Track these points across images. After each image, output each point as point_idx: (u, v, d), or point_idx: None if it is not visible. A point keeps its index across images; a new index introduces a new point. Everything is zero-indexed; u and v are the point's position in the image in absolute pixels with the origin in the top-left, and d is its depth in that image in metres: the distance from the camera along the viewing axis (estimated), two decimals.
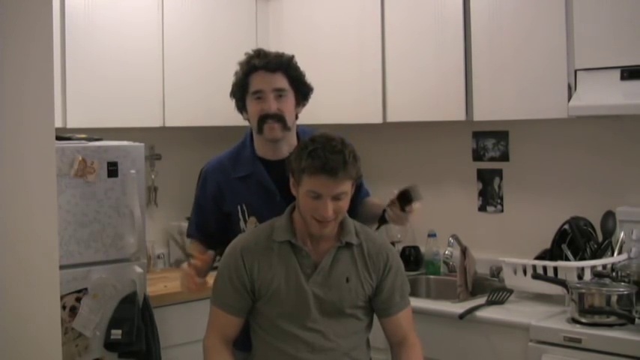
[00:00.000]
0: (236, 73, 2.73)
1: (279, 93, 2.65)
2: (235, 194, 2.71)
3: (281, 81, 2.66)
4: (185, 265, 2.64)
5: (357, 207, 2.71)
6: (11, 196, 2.16)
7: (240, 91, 2.70)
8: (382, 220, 2.66)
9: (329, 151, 2.33)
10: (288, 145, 2.66)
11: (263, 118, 2.63)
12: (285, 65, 2.68)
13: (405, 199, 2.61)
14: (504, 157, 3.75)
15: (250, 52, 2.73)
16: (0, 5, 2.13)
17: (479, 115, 3.46)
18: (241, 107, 2.73)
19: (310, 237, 2.47)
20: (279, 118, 2.64)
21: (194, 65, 3.88)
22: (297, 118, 2.74)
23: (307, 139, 2.42)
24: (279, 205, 2.59)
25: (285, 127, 2.65)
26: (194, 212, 2.83)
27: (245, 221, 2.70)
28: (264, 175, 2.68)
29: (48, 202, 2.25)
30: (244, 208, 2.70)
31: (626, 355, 2.67)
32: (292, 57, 2.72)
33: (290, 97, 2.68)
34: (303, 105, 2.76)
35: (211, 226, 2.78)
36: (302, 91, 2.72)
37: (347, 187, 2.38)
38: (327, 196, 2.35)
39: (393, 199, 2.61)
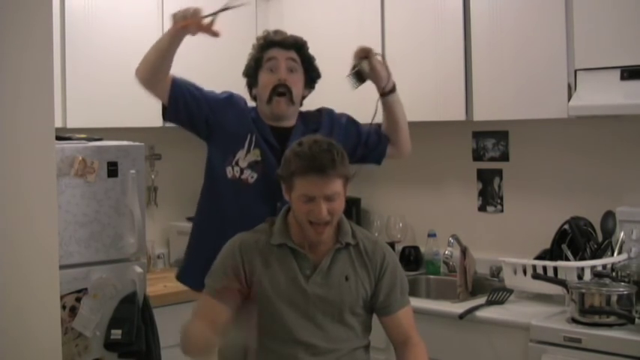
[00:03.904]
0: (252, 50, 2.90)
1: (291, 65, 2.81)
2: (246, 124, 2.82)
3: (294, 55, 2.83)
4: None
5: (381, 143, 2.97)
6: (11, 196, 2.17)
7: (255, 65, 2.85)
8: (392, 90, 2.93)
9: (318, 151, 2.36)
10: (290, 120, 2.83)
11: (275, 89, 2.78)
12: (299, 45, 2.85)
13: (360, 76, 2.86)
14: (504, 157, 3.75)
15: (264, 33, 2.91)
16: (0, 5, 2.13)
17: (479, 115, 3.46)
18: (253, 84, 2.88)
19: (307, 240, 2.47)
20: (288, 90, 2.78)
21: (193, 65, 3.86)
22: (301, 103, 2.89)
23: (294, 144, 2.45)
24: (277, 155, 2.69)
25: (292, 100, 2.80)
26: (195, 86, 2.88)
27: (249, 151, 2.78)
28: (267, 131, 2.81)
29: (48, 202, 2.25)
30: (253, 138, 2.78)
31: (626, 355, 2.67)
32: (306, 41, 2.89)
33: (300, 75, 2.84)
34: (309, 90, 2.90)
35: (195, 97, 2.83)
36: (311, 73, 2.89)
37: (338, 187, 2.39)
38: (320, 196, 2.36)
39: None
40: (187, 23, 2.62)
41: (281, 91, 2.78)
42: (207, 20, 2.62)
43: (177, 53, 3.77)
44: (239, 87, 4.07)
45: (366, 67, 2.86)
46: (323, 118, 2.91)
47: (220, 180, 2.79)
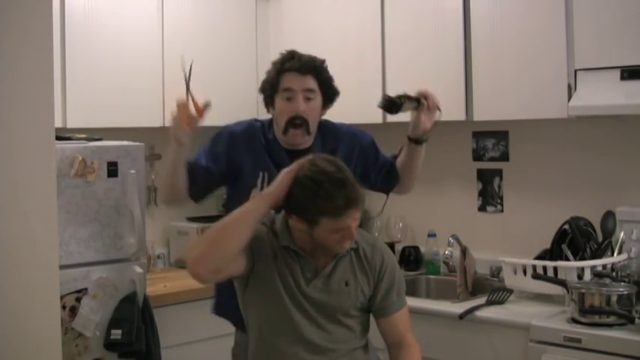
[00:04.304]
0: (268, 72, 2.84)
1: (308, 95, 2.76)
2: (259, 162, 2.78)
3: (311, 82, 2.77)
4: (182, 100, 2.64)
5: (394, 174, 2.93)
6: (11, 196, 2.16)
7: (270, 89, 2.81)
8: (419, 141, 2.88)
9: (340, 184, 2.32)
10: (307, 143, 2.80)
11: (291, 120, 2.74)
12: (317, 69, 2.79)
13: (392, 105, 2.77)
14: (504, 157, 3.75)
15: (284, 52, 2.83)
16: (0, 5, 2.13)
17: (479, 115, 3.46)
18: (269, 103, 2.84)
19: (310, 244, 2.46)
20: (304, 122, 2.75)
21: (195, 66, 3.87)
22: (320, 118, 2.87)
23: (306, 178, 2.36)
24: None
25: (308, 132, 2.77)
26: (202, 152, 2.82)
27: (261, 189, 2.73)
28: (285, 159, 2.74)
29: (48, 202, 2.25)
30: (265, 176, 2.74)
31: (626, 355, 2.67)
32: (323, 61, 2.83)
33: (317, 100, 2.80)
34: (328, 107, 2.86)
35: (208, 171, 2.78)
36: (329, 94, 2.84)
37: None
38: (353, 224, 2.37)
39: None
40: (182, 114, 2.60)
41: (297, 123, 2.75)
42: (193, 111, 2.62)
43: (177, 53, 3.78)
44: (240, 86, 4.09)
45: (409, 107, 2.78)
46: (342, 138, 2.88)
47: None
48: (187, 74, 2.65)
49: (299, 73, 2.76)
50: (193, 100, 2.61)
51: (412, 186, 3.01)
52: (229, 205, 2.79)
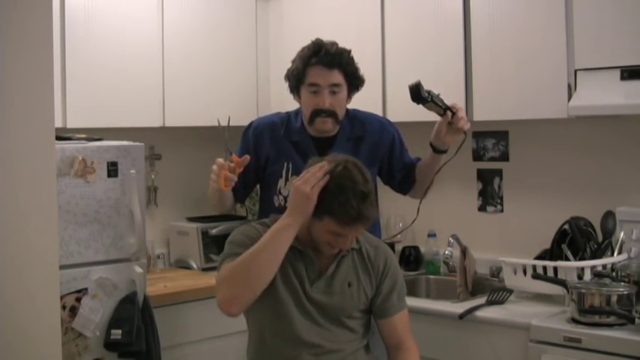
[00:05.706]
0: (294, 61, 2.86)
1: (334, 89, 2.79)
2: (282, 153, 2.84)
3: (337, 77, 2.79)
4: (221, 159, 2.69)
5: (412, 175, 2.96)
6: (11, 196, 2.16)
7: (296, 80, 2.84)
8: (439, 151, 2.85)
9: (360, 198, 2.32)
10: (334, 130, 2.84)
11: (317, 112, 2.78)
12: (344, 63, 2.81)
13: (418, 95, 2.73)
14: (504, 157, 3.75)
15: (311, 44, 2.84)
16: (0, 5, 2.13)
17: (479, 115, 3.46)
18: (294, 92, 2.88)
19: (313, 244, 2.46)
20: (332, 114, 2.78)
21: (194, 65, 3.88)
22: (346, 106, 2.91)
23: (333, 180, 2.34)
24: None
25: (337, 121, 2.81)
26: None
27: (287, 179, 2.80)
28: (311, 148, 2.81)
29: (48, 202, 2.25)
30: (290, 166, 2.80)
31: (626, 355, 2.67)
32: (349, 52, 2.84)
33: (343, 92, 2.83)
34: (354, 94, 2.90)
35: (249, 173, 2.84)
36: (355, 84, 2.87)
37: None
38: (352, 236, 2.38)
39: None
40: (221, 174, 2.67)
41: (323, 115, 2.78)
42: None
43: (182, 54, 3.81)
44: (240, 86, 4.08)
45: (432, 109, 2.76)
46: (370, 127, 2.92)
47: (271, 209, 2.81)
48: (225, 133, 2.73)
49: (326, 67, 2.78)
50: (232, 155, 2.69)
51: (420, 194, 3.01)
52: (264, 200, 2.92)
